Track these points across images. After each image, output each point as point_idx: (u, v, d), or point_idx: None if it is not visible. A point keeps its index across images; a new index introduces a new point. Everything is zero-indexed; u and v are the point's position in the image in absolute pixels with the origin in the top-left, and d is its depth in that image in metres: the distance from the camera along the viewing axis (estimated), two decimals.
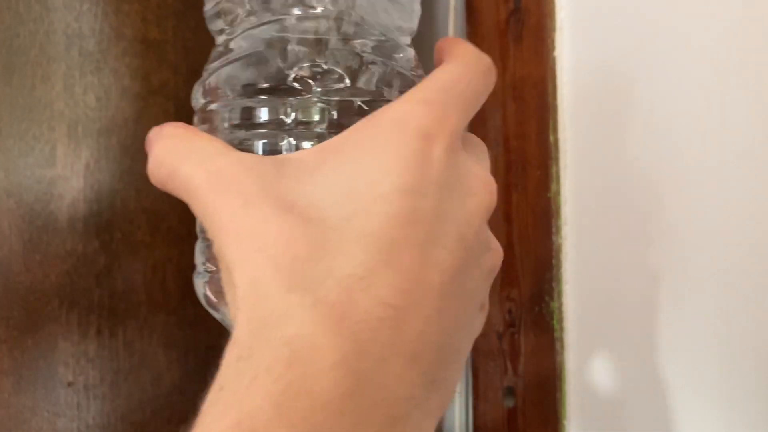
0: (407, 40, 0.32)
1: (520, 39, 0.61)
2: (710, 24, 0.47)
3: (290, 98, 0.29)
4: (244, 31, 0.30)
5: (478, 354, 0.65)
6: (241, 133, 0.29)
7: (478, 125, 0.63)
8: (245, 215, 0.24)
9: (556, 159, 0.58)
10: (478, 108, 0.29)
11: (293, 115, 0.29)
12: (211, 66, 0.31)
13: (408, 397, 0.23)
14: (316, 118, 0.29)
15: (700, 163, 0.48)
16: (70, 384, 0.57)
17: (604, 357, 0.55)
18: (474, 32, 0.65)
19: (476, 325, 0.28)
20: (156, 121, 0.60)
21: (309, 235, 0.24)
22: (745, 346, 0.46)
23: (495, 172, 0.63)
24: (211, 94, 0.30)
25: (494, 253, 0.28)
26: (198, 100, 0.32)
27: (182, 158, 0.27)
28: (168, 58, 0.60)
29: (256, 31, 0.30)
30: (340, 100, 0.29)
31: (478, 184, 0.27)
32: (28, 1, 0.56)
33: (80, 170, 0.57)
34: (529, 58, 0.60)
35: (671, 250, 0.50)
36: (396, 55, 0.31)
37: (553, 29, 0.58)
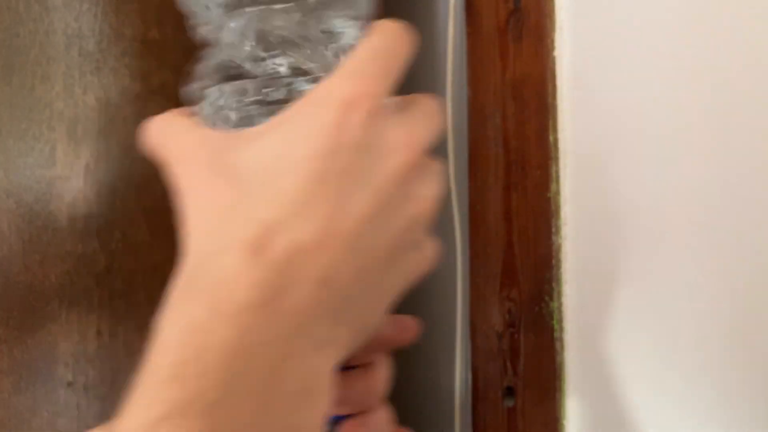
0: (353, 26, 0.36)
1: (520, 39, 0.61)
2: (710, 23, 0.47)
3: (263, 78, 0.34)
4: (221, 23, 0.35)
5: (478, 354, 0.65)
6: (227, 111, 0.34)
7: (477, 125, 0.63)
8: (193, 179, 0.31)
9: (556, 159, 0.58)
10: (400, 70, 0.33)
11: (267, 94, 0.34)
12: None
13: (320, 307, 0.28)
14: (284, 95, 0.34)
15: (700, 163, 0.48)
16: (70, 384, 0.57)
17: (604, 357, 0.55)
18: (474, 32, 0.65)
19: (411, 262, 0.32)
20: None
21: (236, 192, 0.29)
22: (745, 345, 0.46)
23: (495, 172, 0.63)
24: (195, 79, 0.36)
25: (420, 201, 0.31)
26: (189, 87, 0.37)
27: (162, 135, 0.34)
28: (168, 58, 0.60)
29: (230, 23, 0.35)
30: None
31: (398, 143, 0.30)
32: (27, 1, 0.56)
33: (80, 170, 0.57)
34: (529, 58, 0.60)
35: (671, 250, 0.50)
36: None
37: (553, 29, 0.58)
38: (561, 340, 0.58)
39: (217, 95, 0.34)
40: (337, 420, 0.36)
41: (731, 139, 0.46)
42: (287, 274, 0.27)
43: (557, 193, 0.58)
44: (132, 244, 0.58)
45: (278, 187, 0.29)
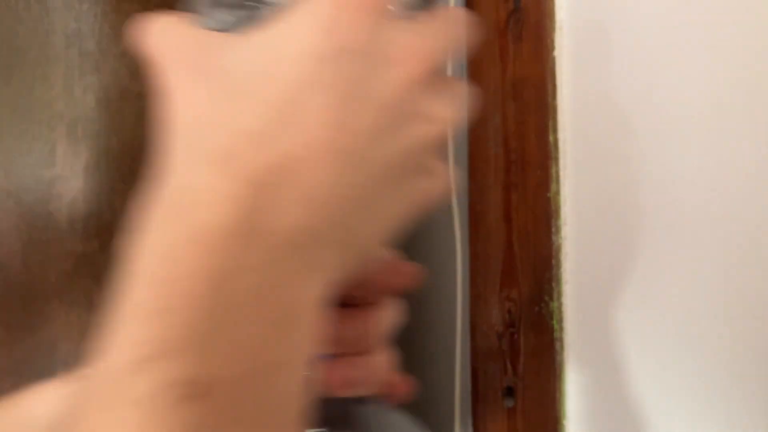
0: None
1: (520, 39, 0.61)
2: (710, 23, 0.47)
3: None
4: None
5: (478, 354, 0.65)
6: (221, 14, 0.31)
7: (477, 125, 0.63)
8: (176, 81, 0.28)
9: (556, 159, 0.58)
10: None
11: None
12: None
13: (306, 228, 0.25)
14: None
15: (700, 163, 0.48)
16: None
17: (603, 357, 0.55)
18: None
19: (415, 189, 0.29)
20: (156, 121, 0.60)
21: (217, 98, 0.26)
22: (746, 346, 0.46)
23: (495, 172, 0.63)
24: None
25: (431, 122, 0.28)
26: None
27: (154, 34, 0.30)
28: None
29: None
30: None
31: (404, 52, 0.27)
32: (27, 2, 0.56)
33: (80, 170, 0.57)
34: (528, 58, 0.60)
35: (671, 250, 0.50)
36: None
37: (552, 29, 0.58)
38: (561, 340, 0.58)
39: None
40: (328, 359, 0.33)
41: (731, 138, 0.46)
42: (268, 191, 0.25)
43: (557, 193, 0.58)
44: None
45: (263, 92, 0.26)
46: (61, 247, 0.57)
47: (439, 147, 0.29)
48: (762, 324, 0.45)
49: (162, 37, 0.29)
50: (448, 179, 0.30)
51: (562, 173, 0.58)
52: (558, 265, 0.58)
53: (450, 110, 0.29)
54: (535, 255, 0.60)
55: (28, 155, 0.56)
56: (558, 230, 0.58)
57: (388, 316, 0.34)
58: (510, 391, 0.62)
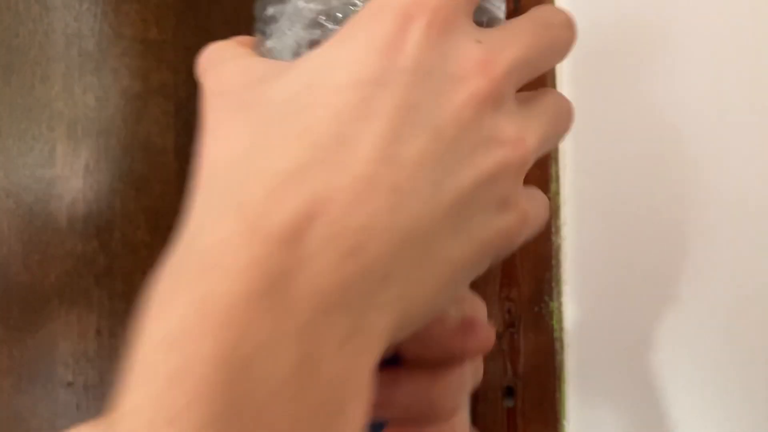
0: None
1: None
2: (710, 25, 0.47)
3: None
4: None
5: None
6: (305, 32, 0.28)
7: None
8: (211, 119, 0.25)
9: (556, 159, 0.58)
10: None
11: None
12: None
13: (347, 286, 0.21)
14: None
15: (699, 163, 0.48)
16: (69, 384, 0.57)
17: (603, 357, 0.55)
18: None
19: (489, 228, 0.24)
20: (156, 121, 0.60)
21: (252, 134, 0.23)
22: (747, 346, 0.46)
23: None
24: None
25: (506, 147, 0.23)
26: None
27: (209, 62, 0.27)
28: (168, 58, 0.60)
29: None
30: None
31: (469, 65, 0.23)
32: (27, 1, 0.56)
33: (80, 170, 0.57)
34: None
35: (670, 250, 0.50)
36: None
37: None
38: (561, 340, 0.58)
39: (287, 17, 0.27)
40: (378, 427, 0.28)
41: (733, 137, 0.46)
42: (299, 245, 0.20)
43: (557, 193, 0.58)
44: (132, 244, 0.58)
45: (302, 126, 0.22)
46: (61, 247, 0.57)
47: (519, 174, 0.24)
48: (765, 323, 0.45)
49: (216, 70, 0.26)
50: (534, 214, 0.25)
51: (562, 173, 0.58)
52: (558, 265, 0.58)
53: (535, 128, 0.25)
54: (535, 255, 0.60)
55: (28, 155, 0.56)
56: (558, 230, 0.58)
57: (459, 380, 0.27)
58: (510, 391, 0.62)
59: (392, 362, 0.26)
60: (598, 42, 0.56)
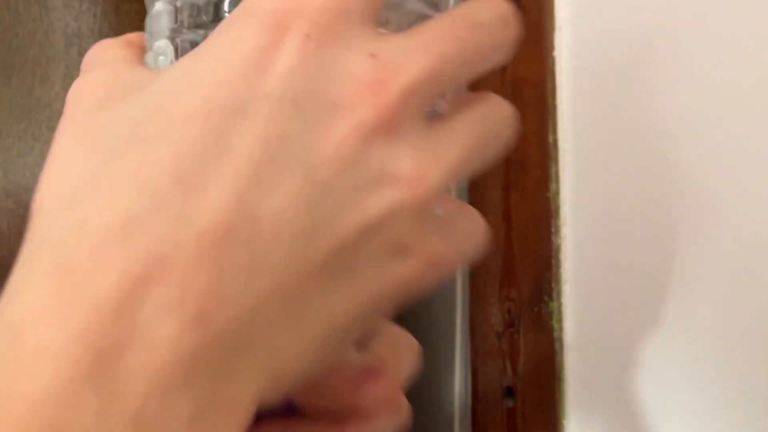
0: None
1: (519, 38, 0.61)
2: (710, 25, 0.47)
3: None
4: None
5: (478, 354, 0.65)
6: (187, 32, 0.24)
7: None
8: (57, 141, 0.21)
9: (556, 159, 0.58)
10: None
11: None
12: None
13: (188, 360, 0.17)
14: None
15: (700, 163, 0.48)
16: None
17: (603, 357, 0.55)
18: None
19: (386, 275, 0.20)
20: None
21: (85, 171, 0.19)
22: (747, 347, 0.46)
23: (494, 172, 0.63)
24: None
25: (395, 186, 0.19)
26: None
27: (84, 65, 0.24)
28: None
29: None
30: None
31: (354, 89, 0.19)
32: (27, 1, 0.56)
33: None
34: (527, 57, 0.60)
35: (671, 250, 0.50)
36: None
37: (552, 29, 0.58)
38: (561, 340, 0.58)
39: (168, 14, 0.24)
40: None
41: (733, 138, 0.46)
42: (130, 315, 0.17)
43: (557, 193, 0.58)
44: None
45: (138, 163, 0.18)
46: None
47: (420, 216, 0.20)
48: (765, 323, 0.45)
49: (80, 74, 0.23)
50: (439, 256, 0.21)
51: (561, 173, 0.58)
52: (558, 265, 0.58)
53: (446, 156, 0.20)
54: (535, 255, 0.60)
55: (28, 155, 0.56)
56: (557, 230, 0.58)
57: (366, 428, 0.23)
58: (510, 391, 0.62)
59: (288, 411, 0.23)
60: (598, 42, 0.56)
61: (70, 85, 0.63)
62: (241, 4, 0.19)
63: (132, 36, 0.25)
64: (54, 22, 0.57)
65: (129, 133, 0.19)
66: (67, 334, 0.17)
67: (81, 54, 0.61)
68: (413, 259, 0.20)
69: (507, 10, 0.22)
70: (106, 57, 0.23)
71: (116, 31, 0.59)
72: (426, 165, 0.20)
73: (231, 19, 0.19)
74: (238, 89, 0.18)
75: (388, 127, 0.19)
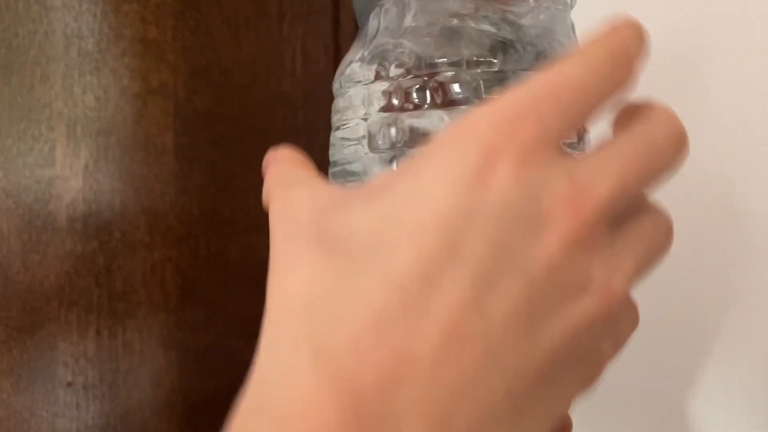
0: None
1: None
2: (710, 26, 0.47)
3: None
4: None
5: None
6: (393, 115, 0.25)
7: None
8: (284, 250, 0.23)
9: None
10: (590, 109, 0.24)
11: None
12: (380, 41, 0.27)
13: None
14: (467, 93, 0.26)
15: (700, 163, 0.48)
16: (69, 384, 0.57)
17: None
18: None
19: (578, 380, 0.22)
20: (155, 121, 0.60)
21: (331, 273, 0.21)
22: (748, 347, 0.46)
23: None
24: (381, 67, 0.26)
25: (595, 296, 0.21)
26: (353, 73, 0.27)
27: (276, 187, 0.26)
28: (167, 58, 0.60)
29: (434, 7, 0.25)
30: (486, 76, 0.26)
31: (556, 205, 0.21)
32: (27, 1, 0.56)
33: (79, 170, 0.57)
34: None
35: (672, 250, 0.50)
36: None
37: None
38: None
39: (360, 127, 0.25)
40: None
41: (734, 138, 0.46)
42: (387, 407, 0.18)
43: None
44: (131, 244, 0.58)
45: (384, 266, 0.20)
46: (61, 247, 0.57)
47: (611, 322, 0.23)
48: (765, 322, 0.45)
49: (276, 190, 0.25)
50: (625, 340, 0.23)
51: None
52: None
53: (627, 266, 0.23)
54: None
55: (28, 155, 0.56)
56: None
57: None
58: None
59: None
60: None
61: (69, 84, 0.63)
62: (454, 126, 0.22)
63: (298, 159, 0.27)
64: (54, 22, 0.57)
65: (366, 239, 0.21)
66: (333, 421, 0.18)
67: (80, 54, 0.61)
68: (604, 360, 0.23)
69: (682, 129, 0.25)
70: (299, 175, 0.26)
71: (116, 31, 0.59)
72: (613, 276, 0.22)
73: (444, 141, 0.21)
74: (465, 201, 0.20)
75: (585, 239, 0.21)
